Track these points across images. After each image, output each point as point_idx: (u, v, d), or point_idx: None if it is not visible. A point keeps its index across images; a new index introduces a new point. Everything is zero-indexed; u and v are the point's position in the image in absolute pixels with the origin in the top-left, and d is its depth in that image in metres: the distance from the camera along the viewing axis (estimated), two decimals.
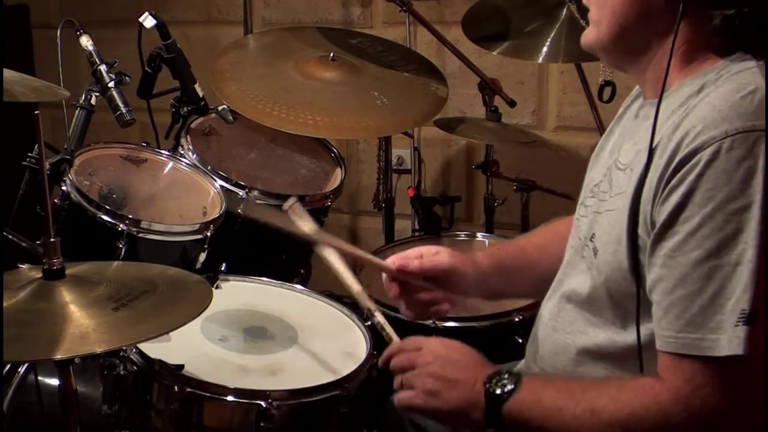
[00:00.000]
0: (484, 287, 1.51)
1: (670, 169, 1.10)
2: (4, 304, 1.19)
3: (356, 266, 1.86)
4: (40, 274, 1.26)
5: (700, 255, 1.07)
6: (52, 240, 1.24)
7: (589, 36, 1.27)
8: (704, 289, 1.07)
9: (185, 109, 2.20)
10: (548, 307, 1.37)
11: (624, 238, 1.16)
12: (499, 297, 1.73)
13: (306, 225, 1.57)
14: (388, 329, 1.42)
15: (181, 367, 1.55)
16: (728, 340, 1.05)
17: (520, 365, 1.47)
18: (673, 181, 1.09)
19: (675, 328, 1.09)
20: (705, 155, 1.06)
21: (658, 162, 1.12)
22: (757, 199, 1.05)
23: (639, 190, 1.14)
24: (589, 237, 1.26)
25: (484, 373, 1.23)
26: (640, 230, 1.14)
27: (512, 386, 1.19)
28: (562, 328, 1.31)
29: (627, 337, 1.20)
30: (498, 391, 1.20)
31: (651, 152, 1.14)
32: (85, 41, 2.07)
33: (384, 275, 1.50)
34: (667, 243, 1.10)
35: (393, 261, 1.48)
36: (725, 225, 1.06)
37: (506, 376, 1.21)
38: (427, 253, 1.48)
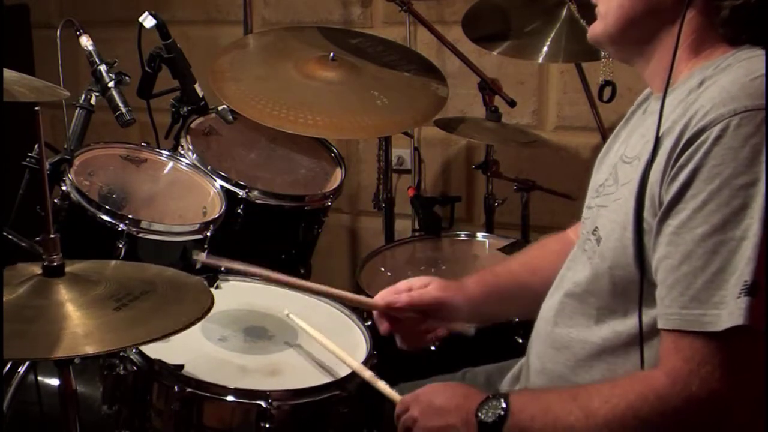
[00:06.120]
0: (475, 314, 1.52)
1: (678, 149, 1.10)
2: (4, 299, 1.19)
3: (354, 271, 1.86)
4: (39, 271, 1.25)
5: (706, 230, 1.06)
6: (51, 236, 1.24)
7: (596, 29, 1.27)
8: (709, 265, 1.06)
9: (185, 109, 2.19)
10: (550, 304, 1.37)
11: (630, 224, 1.16)
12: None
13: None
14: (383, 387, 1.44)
15: (181, 367, 1.55)
16: (729, 312, 1.04)
17: (521, 363, 1.47)
18: (681, 160, 1.09)
19: (679, 305, 1.08)
20: (713, 133, 1.06)
21: (666, 145, 1.12)
22: (764, 176, 1.04)
23: (646, 175, 1.14)
24: (592, 230, 1.26)
25: (473, 406, 1.23)
26: (646, 213, 1.14)
27: (502, 411, 1.19)
28: (563, 323, 1.31)
29: (629, 326, 1.19)
30: (490, 420, 1.20)
31: (658, 139, 1.13)
32: (85, 41, 2.06)
33: (374, 312, 1.51)
34: (673, 221, 1.10)
35: (381, 297, 1.49)
36: (731, 200, 1.05)
37: (494, 401, 1.21)
38: (417, 285, 1.49)
